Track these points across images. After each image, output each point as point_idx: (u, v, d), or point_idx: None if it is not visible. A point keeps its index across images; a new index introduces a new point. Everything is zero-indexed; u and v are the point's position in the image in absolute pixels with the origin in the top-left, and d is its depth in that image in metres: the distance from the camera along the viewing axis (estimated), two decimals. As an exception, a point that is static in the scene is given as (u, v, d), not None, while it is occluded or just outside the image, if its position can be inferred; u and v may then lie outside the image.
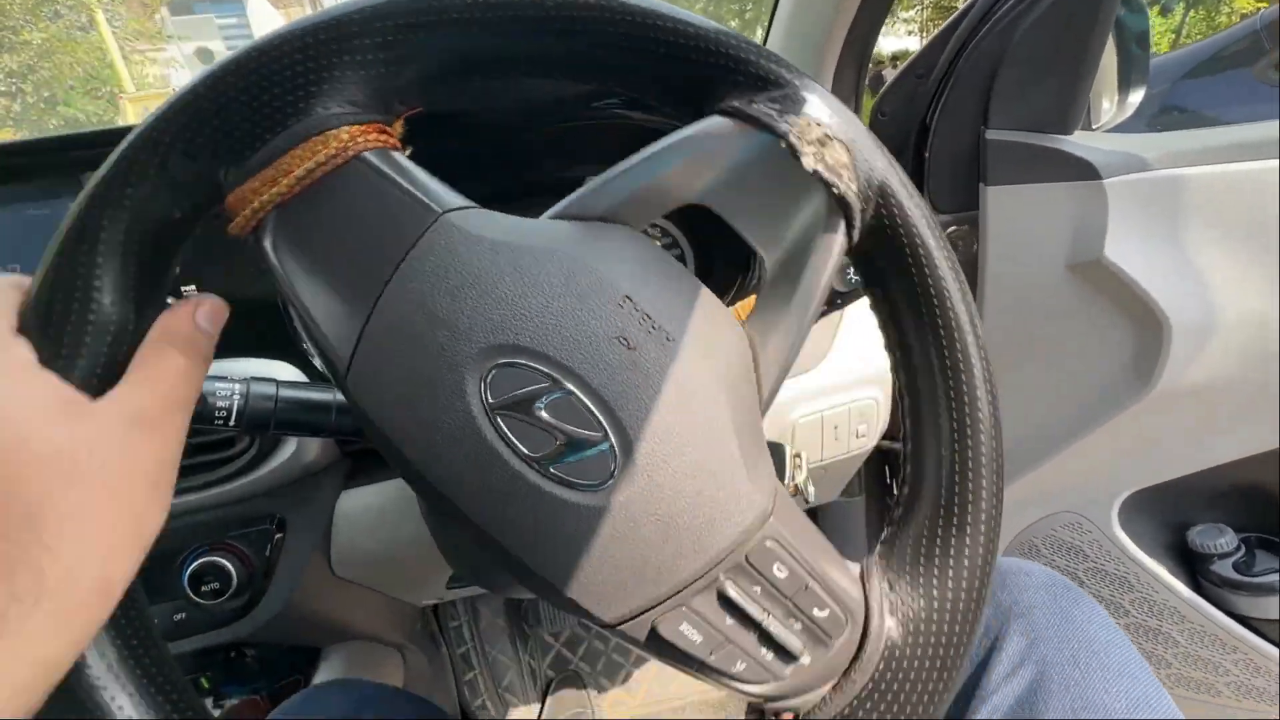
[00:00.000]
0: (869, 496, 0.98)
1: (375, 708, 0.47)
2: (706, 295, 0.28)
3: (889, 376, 0.68)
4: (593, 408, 0.25)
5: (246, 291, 0.48)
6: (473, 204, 0.27)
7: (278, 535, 0.55)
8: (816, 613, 0.27)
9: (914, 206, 0.27)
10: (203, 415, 0.38)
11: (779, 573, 0.26)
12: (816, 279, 0.27)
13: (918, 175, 0.77)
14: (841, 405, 0.67)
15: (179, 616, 0.53)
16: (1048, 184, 0.67)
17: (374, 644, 0.75)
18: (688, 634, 0.26)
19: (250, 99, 0.24)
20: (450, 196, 0.26)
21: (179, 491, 0.50)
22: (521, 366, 0.25)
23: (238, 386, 0.39)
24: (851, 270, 0.43)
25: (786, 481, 0.47)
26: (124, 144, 0.25)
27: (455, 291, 0.25)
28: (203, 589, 0.51)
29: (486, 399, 0.25)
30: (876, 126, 0.79)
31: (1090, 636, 0.41)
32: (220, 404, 0.38)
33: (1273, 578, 0.70)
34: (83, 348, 0.24)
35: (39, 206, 0.46)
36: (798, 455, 0.48)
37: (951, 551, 0.28)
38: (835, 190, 0.26)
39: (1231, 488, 0.75)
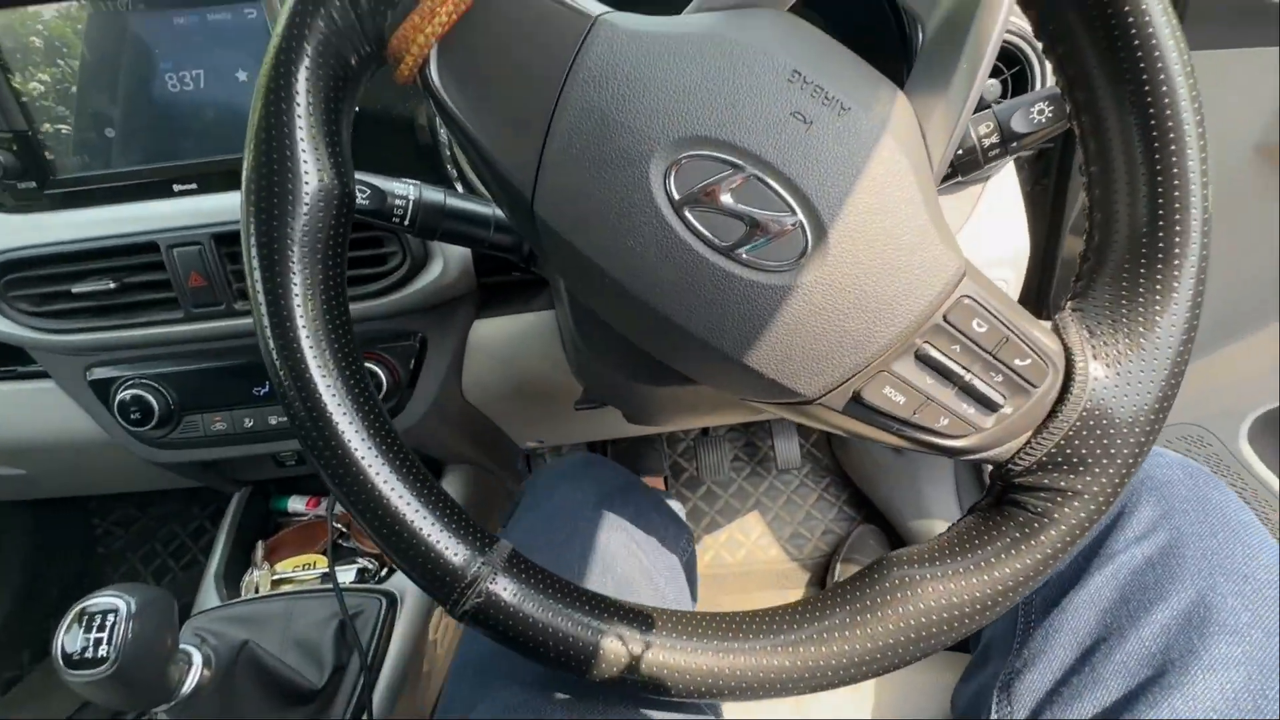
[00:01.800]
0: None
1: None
2: (867, 66, 0.28)
3: (1024, 257, 0.64)
4: (778, 187, 0.25)
5: (393, 110, 0.50)
6: (612, 9, 0.26)
7: (421, 352, 0.60)
8: (1018, 362, 0.27)
9: None
10: (382, 213, 0.41)
11: (979, 328, 0.27)
12: (987, 28, 0.26)
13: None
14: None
15: (337, 413, 0.60)
16: (1255, 49, 0.58)
17: (485, 471, 0.82)
18: (891, 395, 0.27)
19: None
20: (595, 2, 0.26)
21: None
22: (703, 156, 0.25)
23: (412, 190, 0.41)
24: (1035, 110, 0.40)
25: None
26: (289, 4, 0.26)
27: (626, 92, 0.25)
28: (358, 390, 0.58)
29: (672, 194, 0.26)
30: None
31: (1228, 515, 0.39)
32: (398, 204, 0.41)
33: None
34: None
35: (220, 11, 0.48)
36: None
37: (1159, 285, 0.27)
38: None
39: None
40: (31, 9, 0.47)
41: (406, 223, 0.41)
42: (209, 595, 0.64)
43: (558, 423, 0.78)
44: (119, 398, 0.57)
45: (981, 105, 0.53)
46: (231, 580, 0.67)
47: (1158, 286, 0.28)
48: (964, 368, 0.27)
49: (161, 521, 1.21)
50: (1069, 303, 0.30)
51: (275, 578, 0.68)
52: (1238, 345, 0.68)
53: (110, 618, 0.34)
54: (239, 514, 0.74)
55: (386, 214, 0.41)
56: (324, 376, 0.29)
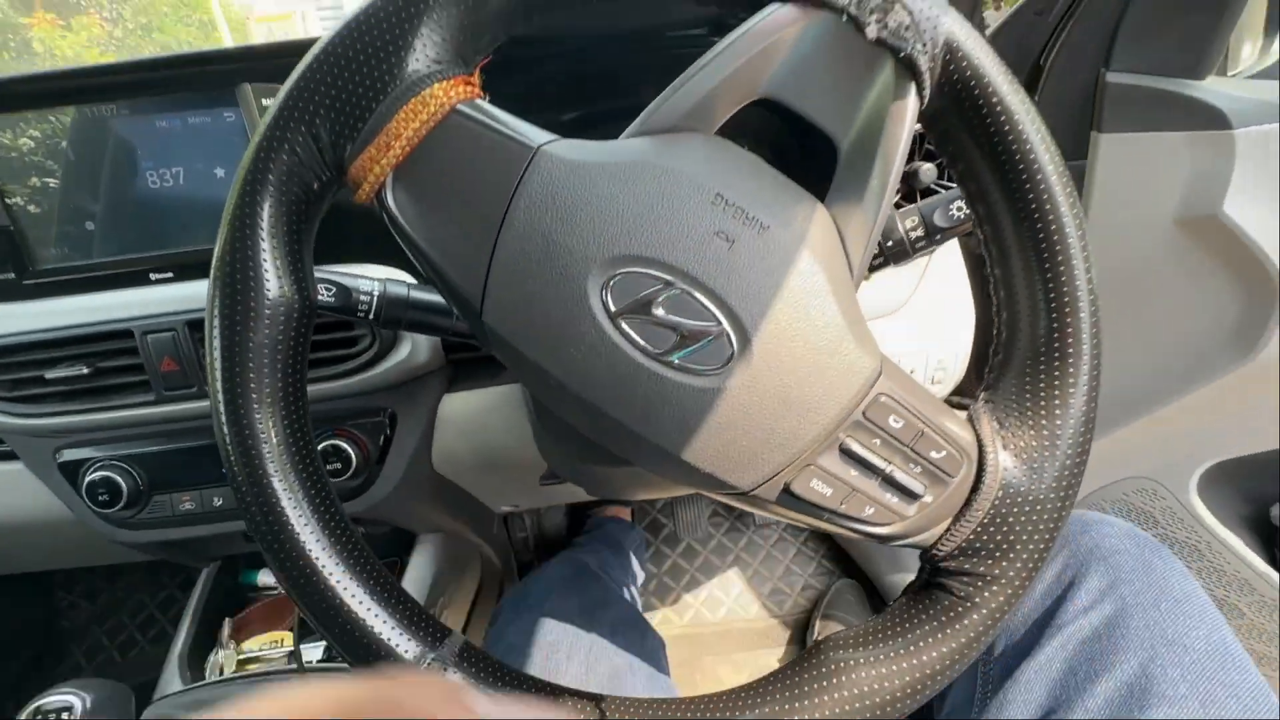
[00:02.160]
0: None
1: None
2: (787, 183, 0.30)
3: (971, 326, 0.68)
4: (704, 300, 0.28)
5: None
6: (555, 136, 0.29)
7: (389, 428, 0.61)
8: (934, 455, 0.29)
9: (983, 55, 0.28)
10: (347, 308, 0.43)
11: (895, 423, 0.29)
12: (892, 147, 0.29)
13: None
14: (919, 351, 0.68)
15: (306, 490, 0.60)
16: (1169, 133, 0.63)
17: (460, 539, 0.82)
18: (818, 487, 0.29)
19: (354, 73, 0.28)
20: (538, 132, 0.29)
21: (312, 380, 0.57)
22: (635, 273, 0.28)
23: (377, 285, 0.44)
24: (954, 207, 0.44)
25: None
26: (258, 134, 0.29)
27: (565, 216, 0.28)
28: (328, 467, 0.58)
29: (609, 306, 0.28)
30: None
31: (1170, 585, 0.41)
32: (363, 299, 0.43)
33: (1359, 558, 0.68)
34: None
35: (200, 115, 0.51)
36: None
37: (1056, 382, 0.30)
38: (901, 54, 0.27)
39: (1327, 465, 0.72)
40: (18, 114, 0.50)
41: (371, 316, 0.43)
42: (171, 679, 0.63)
43: (529, 490, 0.79)
44: (88, 479, 0.58)
45: (912, 195, 0.57)
46: (197, 660, 0.66)
47: (1056, 383, 0.30)
48: (885, 460, 0.29)
49: (130, 592, 1.18)
50: (982, 394, 0.33)
51: (241, 657, 0.67)
52: (1184, 401, 0.71)
53: (65, 716, 0.34)
54: (206, 590, 0.73)
55: (351, 309, 0.43)
56: (281, 481, 0.30)
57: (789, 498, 0.30)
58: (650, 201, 0.28)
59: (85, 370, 0.53)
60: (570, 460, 0.49)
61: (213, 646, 0.68)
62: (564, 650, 0.45)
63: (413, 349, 0.57)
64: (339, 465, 0.59)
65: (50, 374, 0.53)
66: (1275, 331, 0.63)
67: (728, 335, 0.28)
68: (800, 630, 1.13)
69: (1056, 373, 0.30)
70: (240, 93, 0.49)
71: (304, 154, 0.29)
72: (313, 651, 0.67)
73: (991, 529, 0.30)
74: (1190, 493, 0.74)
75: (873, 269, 0.46)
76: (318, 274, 0.43)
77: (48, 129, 0.51)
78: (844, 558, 1.18)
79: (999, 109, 0.29)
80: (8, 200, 0.52)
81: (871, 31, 0.27)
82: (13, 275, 0.53)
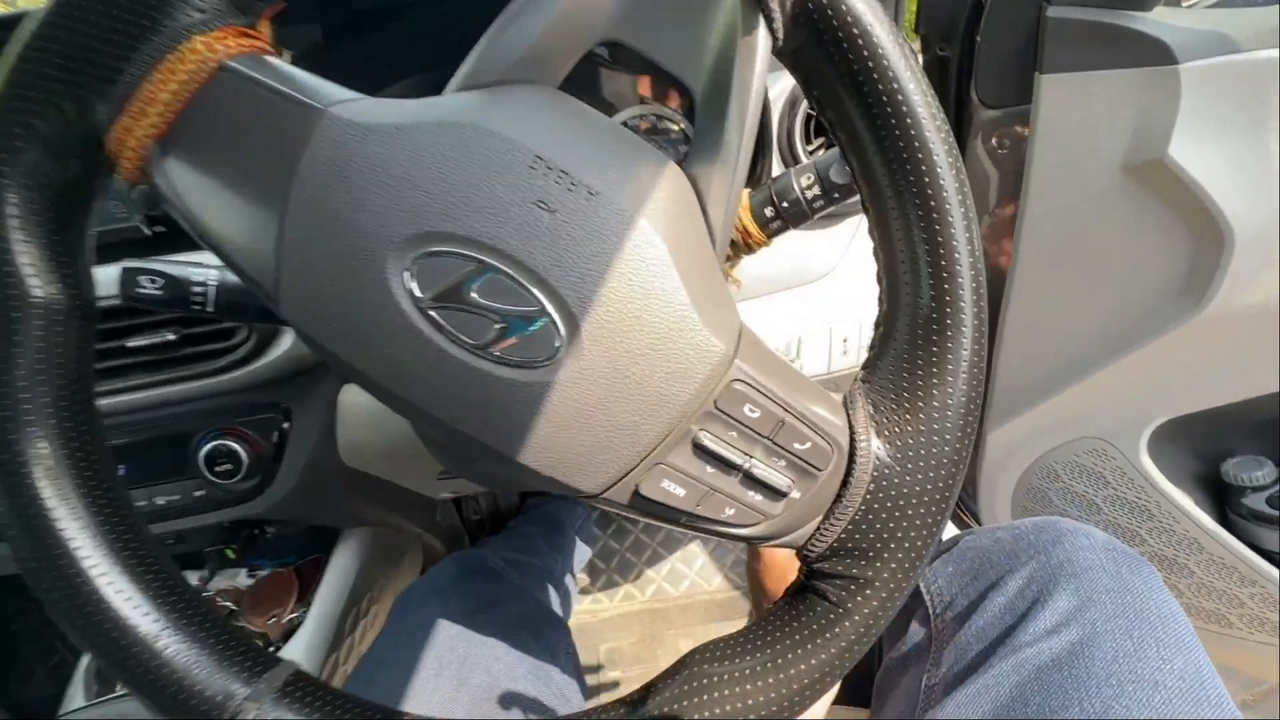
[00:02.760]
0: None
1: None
2: (631, 140, 0.26)
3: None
4: (524, 282, 0.24)
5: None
6: (358, 95, 0.25)
7: (284, 423, 0.57)
8: (798, 446, 0.26)
9: None
10: (178, 300, 0.38)
11: (751, 413, 0.26)
12: (744, 91, 0.25)
13: (967, 63, 0.69)
14: (851, 317, 0.64)
15: (198, 493, 0.57)
16: (1113, 70, 0.59)
17: (392, 530, 0.79)
18: (670, 489, 0.26)
19: (94, 26, 0.22)
20: (332, 90, 0.24)
21: (189, 378, 0.53)
22: (442, 254, 0.24)
23: (214, 273, 0.39)
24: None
25: None
26: None
27: (356, 189, 0.23)
28: (216, 469, 0.55)
29: (414, 293, 0.24)
30: (921, 7, 0.70)
31: (1147, 609, 0.37)
32: (195, 290, 0.39)
33: (1309, 513, 0.66)
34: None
35: None
36: None
37: (934, 360, 0.27)
38: None
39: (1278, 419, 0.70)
40: None
41: (209, 309, 0.39)
42: (76, 695, 0.60)
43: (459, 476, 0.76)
44: None
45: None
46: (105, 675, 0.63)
47: (934, 361, 0.27)
48: (744, 454, 0.26)
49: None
50: (860, 373, 0.29)
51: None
52: (1132, 357, 0.68)
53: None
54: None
55: (183, 302, 0.38)
56: (61, 506, 0.26)
57: (640, 499, 0.26)
58: (453, 167, 0.24)
59: None
60: (450, 454, 0.45)
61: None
62: (432, 666, 0.42)
63: (297, 339, 0.53)
64: (230, 467, 0.55)
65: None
66: (1224, 282, 0.59)
67: (553, 321, 0.24)
68: (762, 601, 1.12)
69: (934, 349, 0.27)
70: None
71: (48, 130, 0.24)
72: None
73: (864, 527, 0.27)
74: (1141, 452, 0.72)
75: (772, 234, 0.42)
76: (145, 264, 0.38)
77: None
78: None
79: (863, 46, 0.25)
80: None
81: None
82: None
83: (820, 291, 0.63)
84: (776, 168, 0.57)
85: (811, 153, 0.56)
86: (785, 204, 0.40)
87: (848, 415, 0.28)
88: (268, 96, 0.24)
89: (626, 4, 0.26)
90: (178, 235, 0.49)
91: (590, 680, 1.07)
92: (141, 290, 0.38)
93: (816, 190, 0.40)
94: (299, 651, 0.63)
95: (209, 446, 0.54)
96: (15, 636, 1.13)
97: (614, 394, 0.25)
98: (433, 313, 0.24)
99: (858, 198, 0.46)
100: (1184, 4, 0.66)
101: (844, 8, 0.24)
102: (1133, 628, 0.36)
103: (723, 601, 1.14)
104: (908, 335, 0.27)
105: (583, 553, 1.06)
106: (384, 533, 0.78)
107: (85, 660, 0.64)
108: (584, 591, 1.15)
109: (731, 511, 0.27)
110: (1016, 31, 0.63)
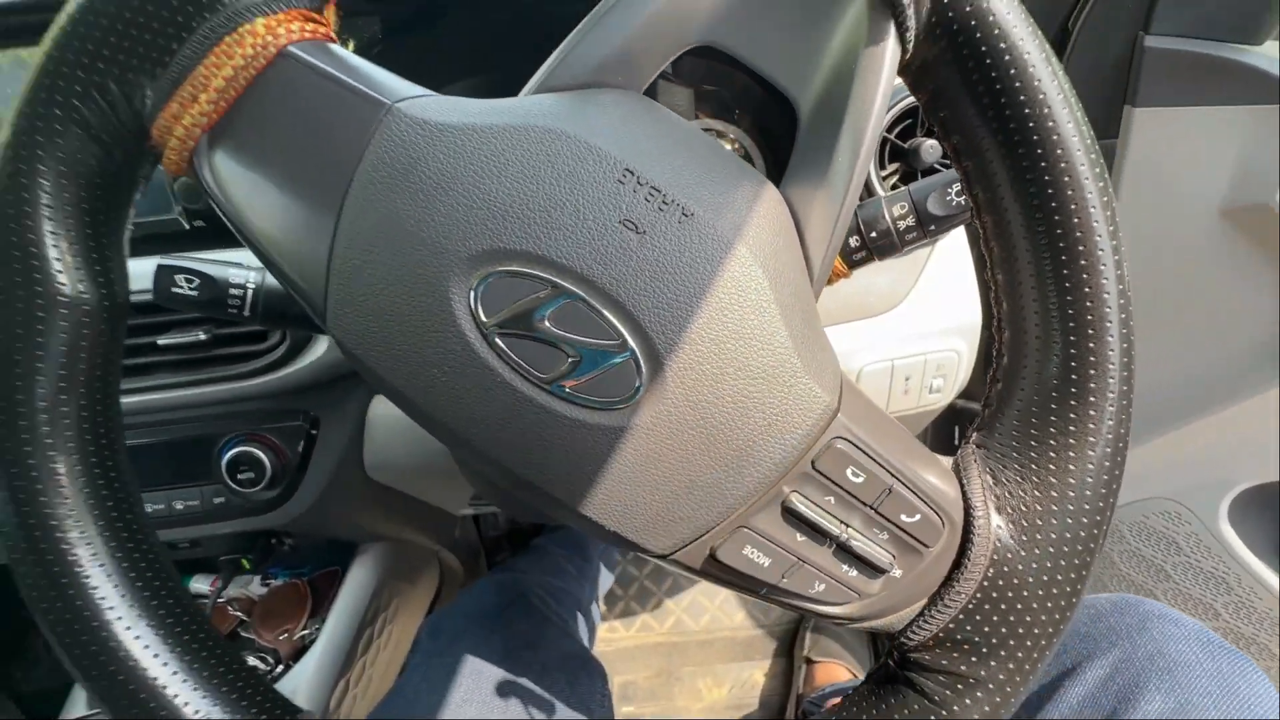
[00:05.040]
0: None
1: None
2: (728, 157, 0.23)
3: (976, 326, 0.58)
4: (604, 310, 0.21)
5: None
6: (427, 91, 0.22)
7: (311, 432, 0.54)
8: (905, 519, 0.23)
9: None
10: (215, 302, 0.36)
11: (855, 477, 0.22)
12: (865, 109, 0.22)
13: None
14: (916, 355, 0.60)
15: (218, 500, 0.54)
16: (1216, 106, 0.54)
17: (409, 545, 0.76)
18: (753, 557, 0.23)
19: (147, 2, 0.20)
20: (400, 84, 0.22)
21: (217, 380, 0.51)
22: (513, 274, 0.21)
23: (253, 275, 0.37)
24: (954, 191, 0.36)
25: None
26: (20, 98, 0.21)
27: (421, 195, 0.21)
28: (239, 476, 0.52)
29: (479, 317, 0.21)
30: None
31: (1258, 714, 0.32)
32: (234, 292, 0.36)
33: None
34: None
35: None
36: None
37: (1071, 429, 0.23)
38: None
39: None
40: None
41: (246, 313, 0.36)
42: (76, 706, 0.57)
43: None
44: None
45: (912, 178, 0.49)
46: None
47: (1071, 429, 0.23)
48: (841, 524, 0.23)
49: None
50: (974, 435, 0.25)
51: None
52: (1216, 417, 0.63)
53: None
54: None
55: (220, 304, 0.36)
56: (79, 539, 0.24)
57: (716, 565, 0.23)
58: (533, 176, 0.21)
59: None
60: (495, 490, 0.42)
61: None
62: (473, 707, 0.39)
63: (331, 346, 0.50)
64: (252, 475, 0.52)
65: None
66: (1331, 341, 0.54)
67: (634, 357, 0.21)
68: (787, 642, 1.07)
69: (1073, 415, 0.23)
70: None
71: (91, 115, 0.22)
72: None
73: (979, 617, 0.23)
74: (1220, 519, 0.66)
75: (854, 265, 0.38)
76: (181, 261, 0.36)
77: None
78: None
79: (1010, 63, 0.21)
80: None
81: None
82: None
83: (883, 326, 0.59)
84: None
85: (885, 178, 0.52)
86: (874, 234, 0.36)
87: (960, 484, 0.24)
88: (330, 88, 0.21)
89: (734, 9, 0.23)
90: (218, 231, 0.47)
91: (602, 713, 1.03)
92: (176, 290, 0.35)
93: (910, 221, 0.36)
94: (309, 673, 0.60)
95: (233, 452, 0.52)
96: (24, 624, 1.12)
97: (697, 445, 0.21)
98: (498, 339, 0.21)
99: (951, 228, 0.42)
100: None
101: (991, 18, 0.21)
102: None
103: (745, 640, 1.09)
104: (1037, 396, 0.24)
105: (606, 579, 1.02)
106: (401, 548, 0.75)
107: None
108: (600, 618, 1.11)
109: (821, 587, 0.23)
110: (1105, 61, 0.59)
